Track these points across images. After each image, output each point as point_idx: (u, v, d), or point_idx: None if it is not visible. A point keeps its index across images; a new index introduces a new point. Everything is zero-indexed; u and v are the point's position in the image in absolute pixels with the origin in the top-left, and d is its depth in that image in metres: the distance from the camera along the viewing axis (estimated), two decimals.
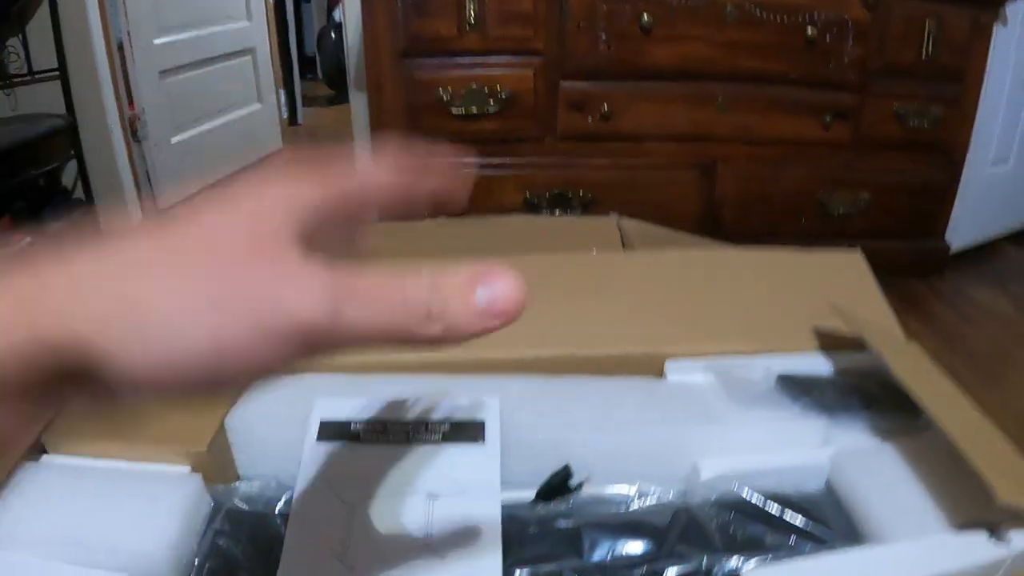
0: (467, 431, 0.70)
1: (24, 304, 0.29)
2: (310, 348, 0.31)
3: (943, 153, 2.35)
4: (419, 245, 1.06)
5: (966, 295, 2.46)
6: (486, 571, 0.58)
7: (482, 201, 2.23)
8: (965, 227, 2.58)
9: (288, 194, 0.34)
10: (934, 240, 2.52)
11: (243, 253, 0.31)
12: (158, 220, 0.33)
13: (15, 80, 3.13)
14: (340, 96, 5.31)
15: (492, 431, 0.70)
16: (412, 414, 0.72)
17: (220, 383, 0.32)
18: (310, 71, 5.86)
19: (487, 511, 0.63)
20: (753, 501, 0.68)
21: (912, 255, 2.47)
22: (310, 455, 0.69)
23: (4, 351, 0.28)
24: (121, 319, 0.29)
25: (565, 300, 0.92)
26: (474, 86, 2.10)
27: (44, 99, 3.16)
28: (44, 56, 3.10)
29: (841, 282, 0.98)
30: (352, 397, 0.73)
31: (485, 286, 0.33)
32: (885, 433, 0.75)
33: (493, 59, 2.10)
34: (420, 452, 0.69)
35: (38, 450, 0.73)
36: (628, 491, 0.71)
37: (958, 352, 2.14)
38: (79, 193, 3.28)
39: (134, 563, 0.59)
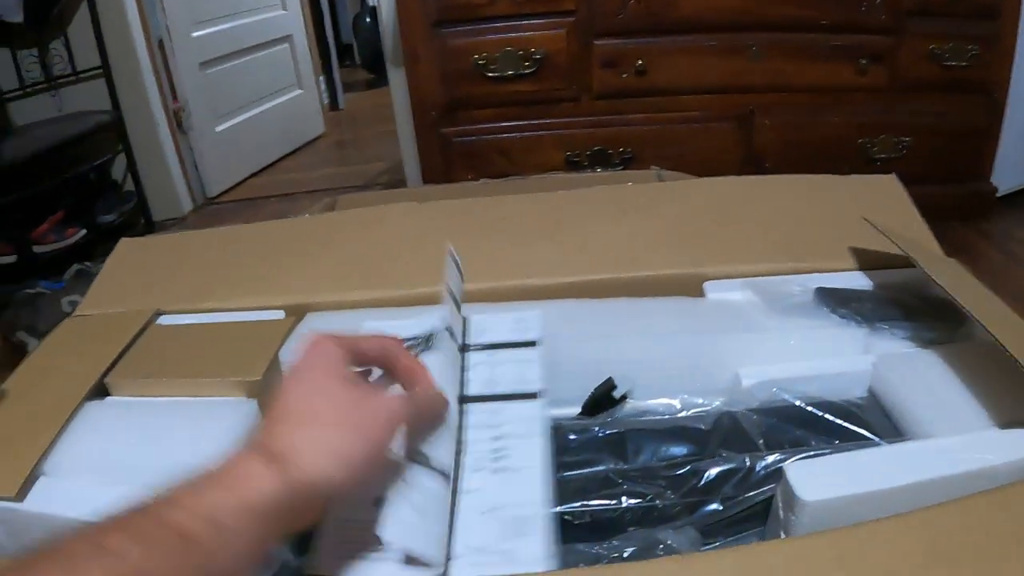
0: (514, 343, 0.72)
1: (274, 463, 0.47)
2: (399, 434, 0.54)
3: (983, 93, 2.28)
4: (460, 216, 1.08)
5: (1015, 237, 2.39)
6: (538, 475, 0.60)
7: (523, 161, 2.24)
8: (1011, 168, 2.49)
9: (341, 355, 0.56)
10: (979, 183, 2.45)
11: (359, 397, 0.53)
12: (308, 401, 0.53)
13: (60, 81, 3.19)
14: (379, 80, 5.32)
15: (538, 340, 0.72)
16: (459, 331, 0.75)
17: (376, 466, 0.52)
18: (348, 58, 5.88)
19: (536, 415, 0.65)
20: (796, 404, 0.69)
21: (957, 199, 2.40)
22: None
23: (272, 498, 0.46)
24: (334, 462, 0.49)
25: (604, 226, 0.93)
26: (508, 49, 2.10)
27: (89, 98, 3.20)
28: (86, 56, 3.14)
29: (877, 204, 0.98)
30: (402, 319, 0.75)
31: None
32: (925, 342, 0.75)
33: (525, 22, 2.11)
34: (470, 360, 0.72)
35: (101, 392, 0.77)
36: (671, 403, 0.72)
37: (1009, 294, 2.10)
38: (129, 186, 3.33)
39: None
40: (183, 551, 0.41)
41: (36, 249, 2.85)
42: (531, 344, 0.72)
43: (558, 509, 0.60)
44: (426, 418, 0.59)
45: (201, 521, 0.43)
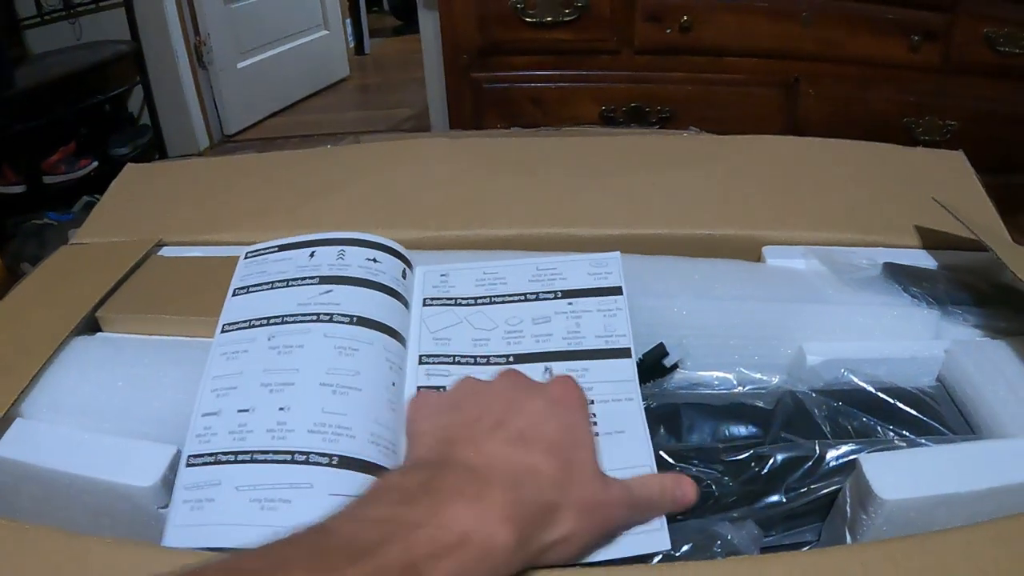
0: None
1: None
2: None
3: None
4: (495, 156, 1.01)
5: None
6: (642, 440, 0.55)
7: (557, 113, 2.19)
8: None
9: None
10: None
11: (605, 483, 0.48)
12: None
13: (79, 9, 3.14)
14: (407, 27, 5.31)
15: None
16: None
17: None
18: (376, 3, 5.84)
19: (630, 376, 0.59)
20: (865, 388, 0.63)
21: (1001, 190, 2.33)
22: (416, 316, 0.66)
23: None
24: (567, 546, 0.44)
25: (651, 177, 0.88)
26: None
27: (109, 28, 3.17)
28: None
29: (944, 181, 0.93)
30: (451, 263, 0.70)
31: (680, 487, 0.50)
32: (998, 332, 0.69)
33: None
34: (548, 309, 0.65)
35: (92, 328, 0.71)
36: (727, 376, 0.66)
37: None
38: (145, 119, 3.30)
39: (179, 435, 0.56)
40: None
41: (46, 180, 2.82)
42: (616, 291, 0.65)
43: None
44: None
45: None
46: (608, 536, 0.47)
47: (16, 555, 0.47)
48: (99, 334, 0.71)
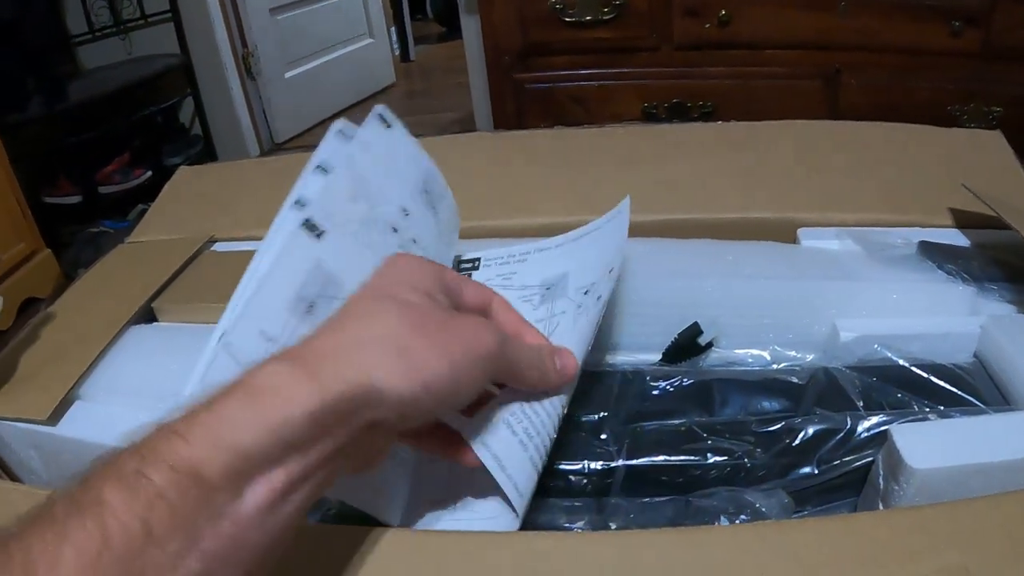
0: None
1: (322, 370, 0.37)
2: (490, 372, 0.45)
3: None
4: (535, 149, 1.03)
5: None
6: None
7: (599, 111, 2.19)
8: None
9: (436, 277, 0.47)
10: None
11: (445, 316, 0.44)
12: (373, 304, 0.43)
13: (129, 25, 3.20)
14: (450, 33, 5.34)
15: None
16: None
17: (455, 399, 0.43)
18: (419, 11, 5.87)
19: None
20: (900, 364, 0.63)
21: None
22: None
23: (304, 413, 0.36)
24: (394, 360, 0.39)
25: (686, 164, 0.88)
26: None
27: (158, 42, 3.23)
28: (156, 0, 3.16)
29: (982, 160, 0.92)
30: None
31: (559, 356, 0.51)
32: None
33: None
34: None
35: (148, 317, 0.74)
36: (761, 354, 0.66)
37: None
38: (196, 130, 3.35)
39: None
40: (198, 495, 0.32)
41: (102, 190, 2.88)
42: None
43: (636, 462, 0.55)
44: (525, 368, 0.48)
45: (218, 453, 0.33)
46: (490, 362, 0.44)
47: None
48: (155, 323, 0.74)
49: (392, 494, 0.52)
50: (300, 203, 0.53)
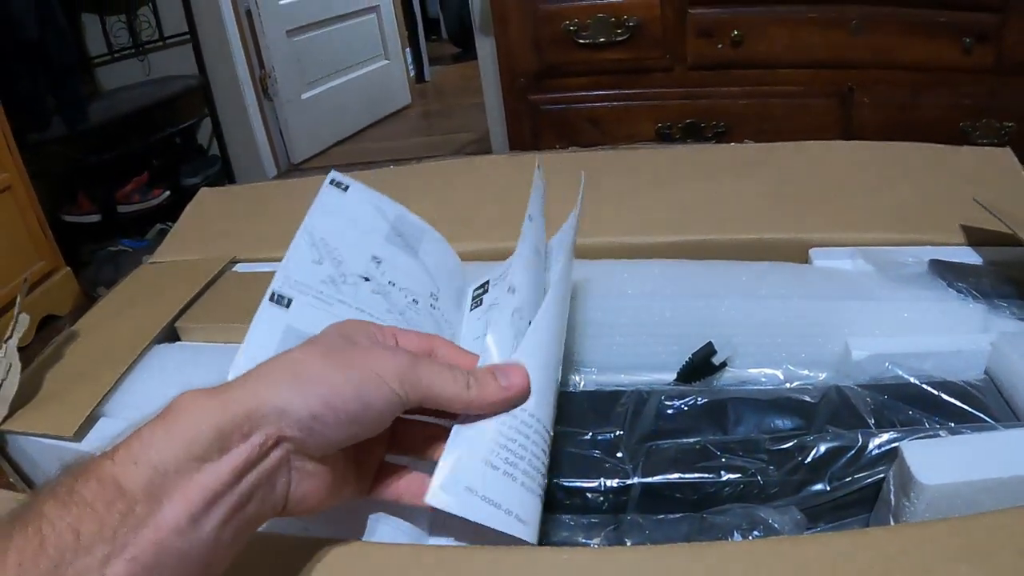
0: None
1: (226, 394, 0.41)
2: (404, 393, 0.45)
3: None
4: (550, 170, 1.03)
5: None
6: None
7: (613, 131, 2.19)
8: None
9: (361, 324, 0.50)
10: None
11: (355, 348, 0.46)
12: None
13: (147, 47, 3.23)
14: (465, 54, 5.36)
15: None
16: None
17: (366, 417, 0.44)
18: (434, 32, 5.90)
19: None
20: (911, 381, 0.63)
21: None
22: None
23: (212, 428, 0.39)
24: (291, 380, 0.42)
25: (701, 185, 0.89)
26: (600, 15, 2.05)
27: (176, 63, 3.26)
28: (174, 22, 3.20)
29: (991, 178, 0.92)
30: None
31: (503, 374, 0.49)
32: None
33: None
34: None
35: (171, 336, 0.75)
36: (775, 373, 0.67)
37: None
38: (214, 150, 3.38)
39: None
40: (121, 506, 0.36)
41: (121, 209, 2.91)
42: None
43: (652, 479, 0.56)
44: (439, 388, 0.47)
45: (138, 468, 0.37)
46: (373, 393, 0.45)
47: None
48: (178, 343, 0.75)
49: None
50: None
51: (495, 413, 0.49)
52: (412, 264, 0.66)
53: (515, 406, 0.50)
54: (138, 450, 0.38)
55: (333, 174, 0.66)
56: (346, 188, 0.66)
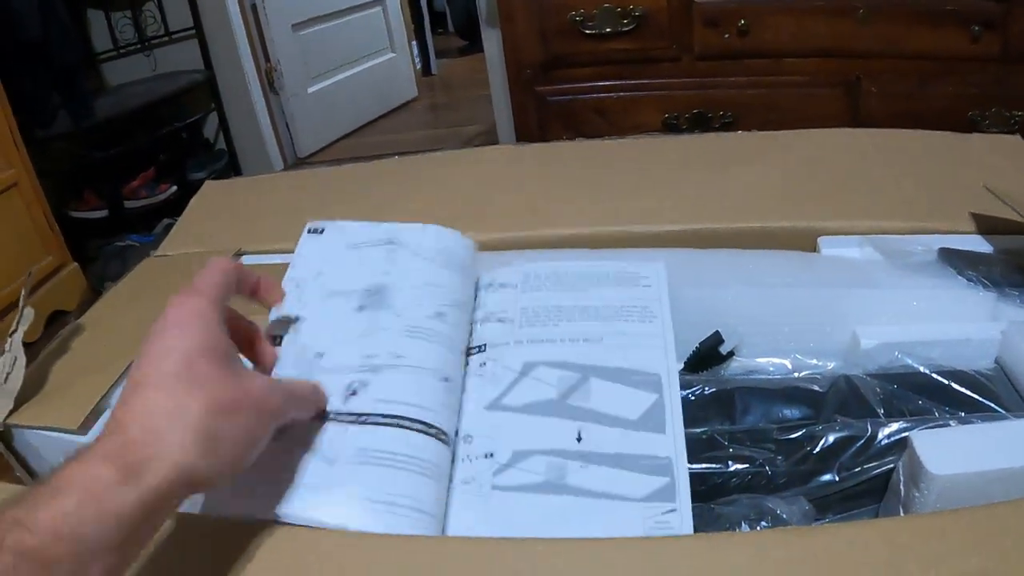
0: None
1: (141, 471, 0.41)
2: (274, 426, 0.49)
3: None
4: (557, 161, 1.04)
5: None
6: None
7: (620, 122, 2.19)
8: None
9: (216, 319, 0.50)
10: None
11: (225, 374, 0.47)
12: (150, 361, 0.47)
13: (153, 42, 3.24)
14: (472, 47, 5.35)
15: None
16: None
17: (246, 455, 0.46)
18: (441, 25, 5.89)
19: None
20: (920, 371, 0.63)
21: None
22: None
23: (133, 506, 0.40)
24: (175, 435, 0.43)
25: (708, 175, 0.88)
26: (606, 5, 2.04)
27: (182, 58, 3.26)
28: (179, 17, 3.20)
29: (1002, 165, 0.92)
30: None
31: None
32: None
33: None
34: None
35: None
36: (783, 363, 0.66)
37: None
38: (221, 144, 3.38)
39: None
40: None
41: (127, 204, 2.91)
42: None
43: None
44: (300, 408, 0.53)
45: (59, 539, 0.37)
46: (276, 418, 0.49)
47: None
48: None
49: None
50: None
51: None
52: (414, 265, 0.66)
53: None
54: (60, 525, 0.38)
55: (309, 223, 0.69)
56: (321, 231, 0.69)
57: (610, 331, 0.62)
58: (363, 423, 0.54)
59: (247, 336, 0.59)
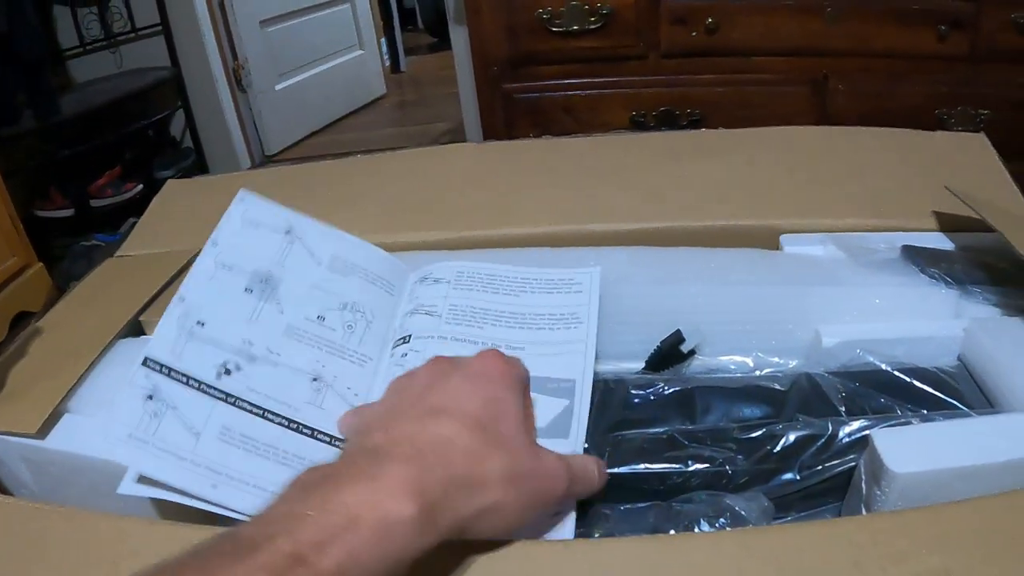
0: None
1: (438, 517, 0.41)
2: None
3: None
4: (517, 159, 1.03)
5: None
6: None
7: (588, 120, 2.19)
8: None
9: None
10: None
11: (533, 450, 0.48)
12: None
13: (119, 38, 3.21)
14: (441, 44, 5.35)
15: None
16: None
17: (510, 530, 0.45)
18: (410, 22, 5.89)
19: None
20: (882, 368, 0.63)
21: None
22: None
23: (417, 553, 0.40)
24: (482, 519, 0.44)
25: (669, 172, 0.88)
26: (574, 3, 2.04)
27: (148, 55, 3.24)
28: (146, 13, 3.18)
29: (965, 163, 0.92)
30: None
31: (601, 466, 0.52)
32: (1019, 310, 0.68)
33: None
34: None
35: (136, 332, 0.74)
36: (744, 361, 0.66)
37: None
38: (188, 142, 3.35)
39: None
40: None
41: (93, 203, 2.89)
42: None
43: (618, 470, 0.55)
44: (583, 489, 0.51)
45: None
46: (548, 506, 0.47)
47: (68, 536, 0.51)
48: (142, 337, 0.74)
49: None
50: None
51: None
52: (287, 287, 0.66)
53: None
54: (350, 568, 0.37)
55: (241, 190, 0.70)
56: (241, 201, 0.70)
57: (534, 340, 0.63)
58: (231, 404, 0.56)
59: None
